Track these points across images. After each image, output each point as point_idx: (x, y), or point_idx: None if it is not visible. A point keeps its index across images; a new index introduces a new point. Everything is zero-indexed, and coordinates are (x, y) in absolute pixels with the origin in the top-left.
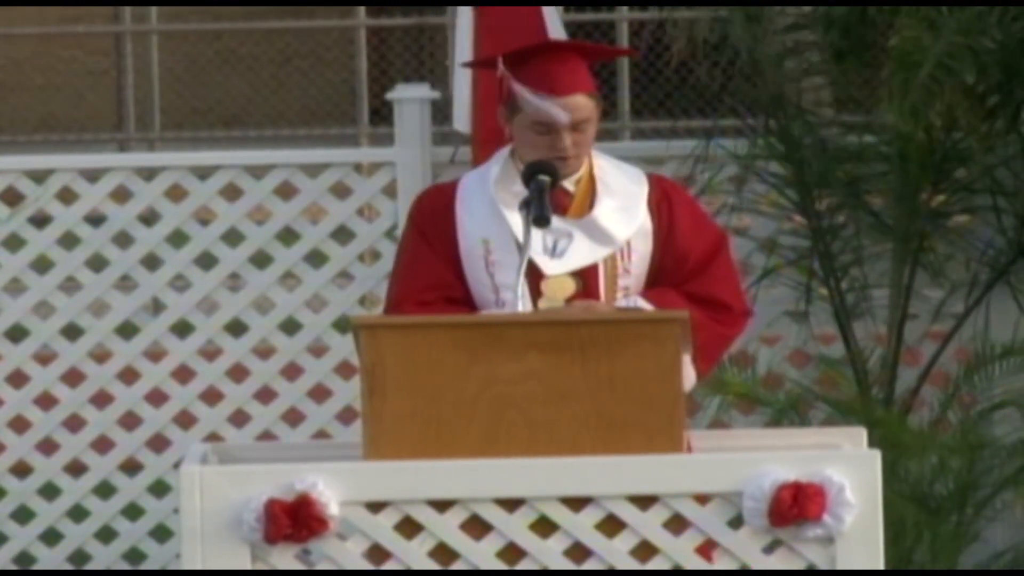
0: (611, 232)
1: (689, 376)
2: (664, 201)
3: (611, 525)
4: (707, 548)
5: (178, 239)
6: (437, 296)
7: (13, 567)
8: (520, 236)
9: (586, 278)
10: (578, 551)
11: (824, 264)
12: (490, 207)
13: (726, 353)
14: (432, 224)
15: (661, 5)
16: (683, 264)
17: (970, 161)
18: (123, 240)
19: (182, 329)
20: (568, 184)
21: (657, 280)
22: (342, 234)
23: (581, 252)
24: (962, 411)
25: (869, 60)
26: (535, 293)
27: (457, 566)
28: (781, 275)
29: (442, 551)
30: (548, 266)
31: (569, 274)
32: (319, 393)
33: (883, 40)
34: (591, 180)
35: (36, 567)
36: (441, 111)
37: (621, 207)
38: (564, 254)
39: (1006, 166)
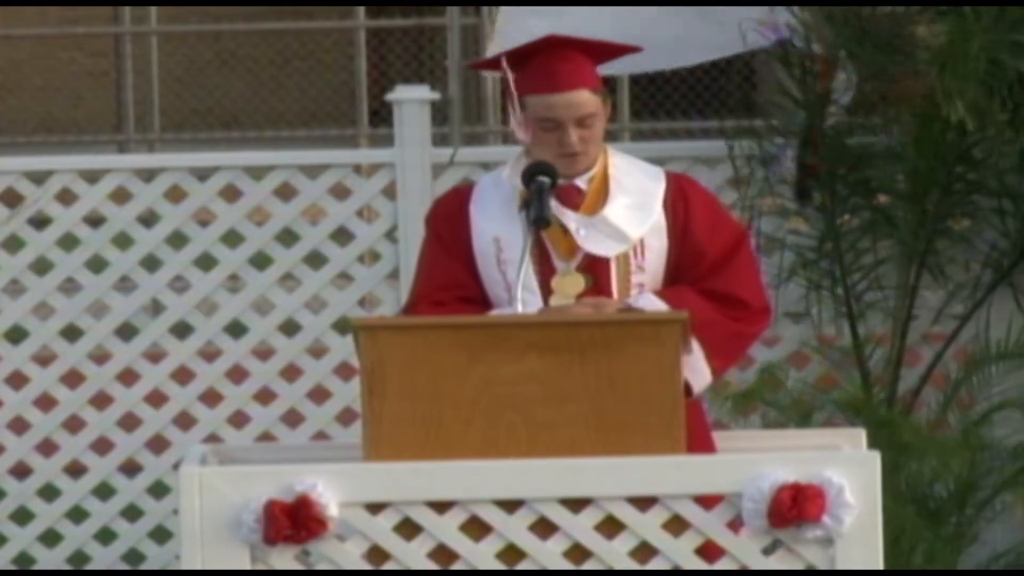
0: (623, 229)
1: (704, 375)
2: (680, 199)
3: (610, 526)
4: (712, 549)
5: (177, 240)
6: (451, 296)
7: (13, 568)
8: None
9: (597, 275)
10: (577, 552)
11: (838, 264)
12: (502, 206)
13: (747, 351)
14: (447, 225)
15: (681, 5)
16: (700, 261)
17: (981, 165)
18: (122, 241)
19: (182, 330)
20: (581, 182)
21: (675, 277)
22: (342, 235)
23: (599, 245)
24: (962, 412)
25: (887, 60)
26: (546, 291)
27: (457, 567)
28: (797, 274)
29: (441, 552)
30: (583, 242)
31: (580, 271)
32: (319, 394)
33: (898, 41)
34: (605, 178)
35: (36, 568)
36: (441, 112)
37: (635, 204)
38: (587, 240)
39: (1015, 170)
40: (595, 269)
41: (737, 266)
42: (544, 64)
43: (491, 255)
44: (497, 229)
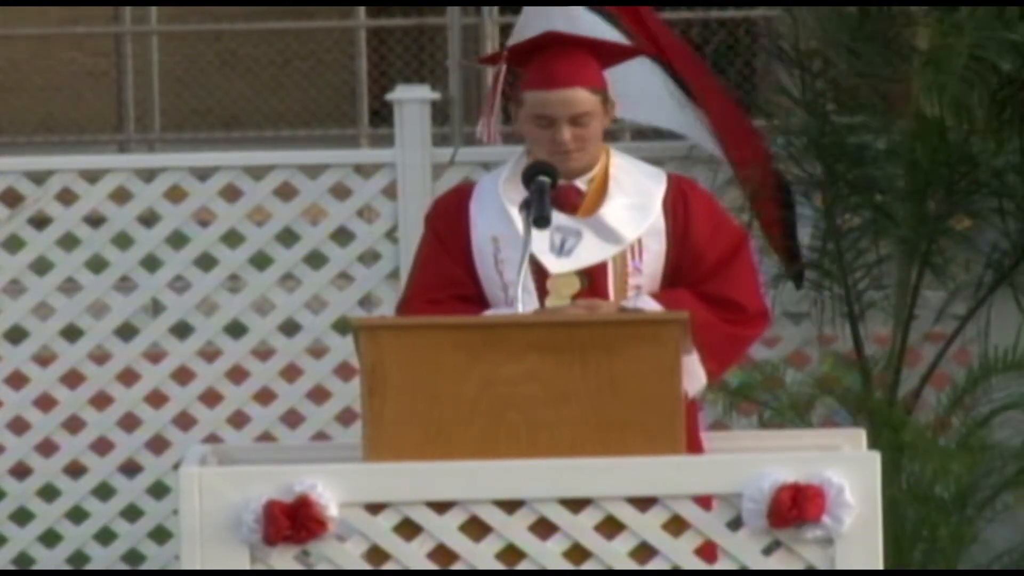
0: (619, 231)
1: (699, 377)
2: (680, 201)
3: (610, 526)
4: (710, 549)
5: (178, 240)
6: (447, 294)
7: (12, 568)
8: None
9: (594, 276)
10: (577, 552)
11: (840, 264)
12: (499, 205)
13: (744, 354)
14: (446, 223)
15: (690, 5)
16: (699, 264)
17: (981, 165)
18: (123, 241)
19: (182, 330)
20: (581, 183)
21: (675, 280)
22: (342, 235)
23: (589, 250)
24: (964, 414)
25: (888, 59)
26: (541, 291)
27: (457, 567)
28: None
29: (441, 552)
30: (553, 264)
31: (575, 272)
32: (319, 394)
33: (900, 39)
34: (605, 179)
35: (36, 568)
36: (441, 112)
37: (633, 205)
38: (571, 252)
39: (1015, 170)
40: (591, 270)
41: (735, 269)
42: (543, 61)
43: (489, 254)
44: (495, 229)
